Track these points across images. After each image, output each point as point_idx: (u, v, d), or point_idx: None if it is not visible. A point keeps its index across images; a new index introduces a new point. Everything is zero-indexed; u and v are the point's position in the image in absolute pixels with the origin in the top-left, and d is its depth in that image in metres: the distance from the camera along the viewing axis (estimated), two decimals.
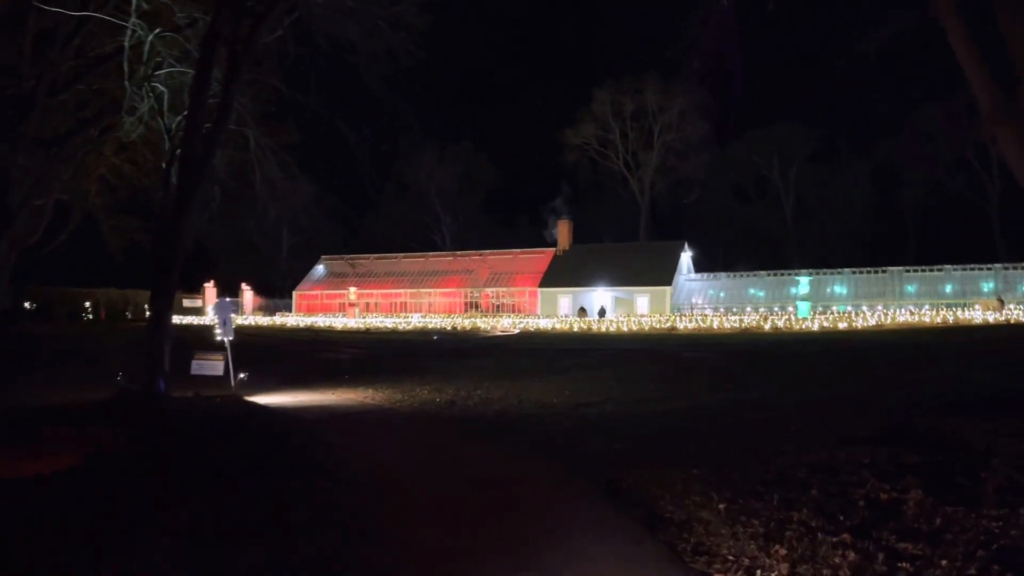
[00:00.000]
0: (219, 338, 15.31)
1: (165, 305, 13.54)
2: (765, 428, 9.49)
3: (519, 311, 50.97)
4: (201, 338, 24.34)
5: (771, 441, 8.32)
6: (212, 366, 14.39)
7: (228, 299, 15.30)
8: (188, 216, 13.43)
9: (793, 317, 38.19)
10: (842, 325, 35.42)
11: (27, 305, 48.89)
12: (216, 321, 15.58)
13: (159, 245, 13.69)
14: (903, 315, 36.61)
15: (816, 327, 35.14)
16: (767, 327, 35.92)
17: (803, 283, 43.38)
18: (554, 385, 15.83)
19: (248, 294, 59.25)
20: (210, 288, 55.57)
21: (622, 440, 9.42)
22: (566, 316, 45.78)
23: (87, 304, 51.40)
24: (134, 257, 43.99)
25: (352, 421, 11.94)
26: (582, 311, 46.59)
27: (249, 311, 57.32)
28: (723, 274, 52.59)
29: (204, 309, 52.54)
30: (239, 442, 8.78)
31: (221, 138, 13.76)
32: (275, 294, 64.70)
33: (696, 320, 38.56)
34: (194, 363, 14.39)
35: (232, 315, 15.51)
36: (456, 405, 13.51)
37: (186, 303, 54.99)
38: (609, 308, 48.67)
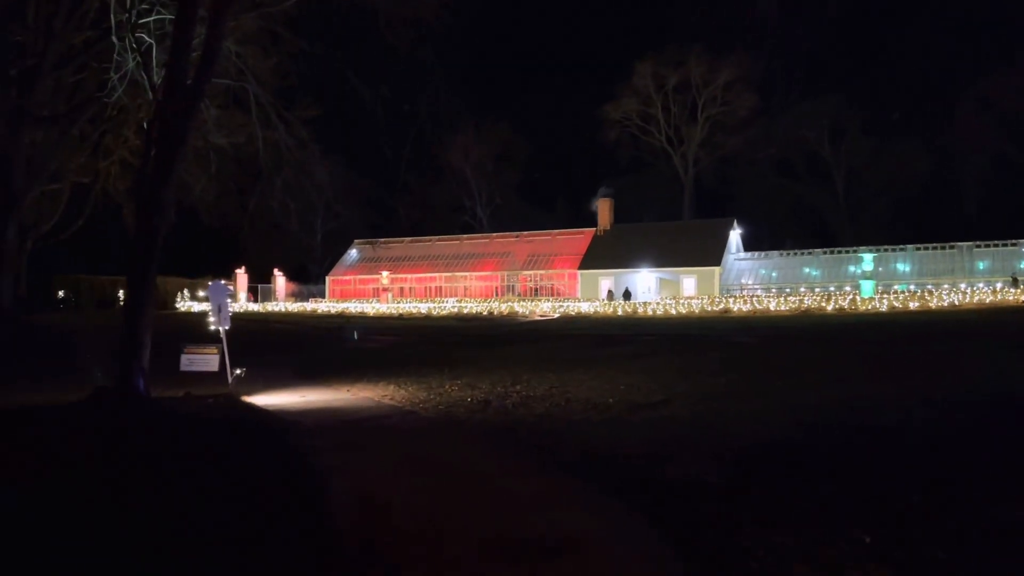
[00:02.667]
0: (213, 327, 13.23)
1: (145, 289, 11.44)
2: (910, 447, 6.99)
3: (558, 294, 48.56)
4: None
5: (934, 471, 5.85)
6: (204, 361, 12.28)
7: (223, 282, 13.15)
8: (170, 183, 11.27)
9: (857, 297, 35.17)
10: (913, 305, 32.38)
11: (60, 294, 48.14)
12: (210, 308, 13.48)
13: (137, 219, 11.55)
14: (981, 293, 33.42)
15: (885, 307, 32.16)
16: (830, 308, 33.07)
17: (867, 260, 40.13)
18: (606, 379, 13.42)
19: (281, 280, 57.80)
20: (241, 274, 54.18)
21: (710, 462, 6.98)
22: (604, 298, 43.42)
23: (120, 293, 50.28)
24: None
25: (361, 432, 9.67)
26: (610, 294, 44.38)
27: (282, 297, 55.90)
28: (775, 253, 49.47)
29: (236, 295, 51.04)
30: (197, 475, 6.57)
31: (205, 87, 11.53)
32: (310, 280, 63.29)
33: (751, 302, 35.72)
34: (184, 358, 12.30)
35: (228, 300, 13.37)
36: (491, 406, 11.17)
37: None
38: (654, 290, 45.96)
